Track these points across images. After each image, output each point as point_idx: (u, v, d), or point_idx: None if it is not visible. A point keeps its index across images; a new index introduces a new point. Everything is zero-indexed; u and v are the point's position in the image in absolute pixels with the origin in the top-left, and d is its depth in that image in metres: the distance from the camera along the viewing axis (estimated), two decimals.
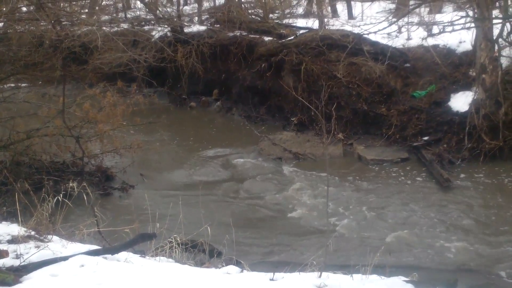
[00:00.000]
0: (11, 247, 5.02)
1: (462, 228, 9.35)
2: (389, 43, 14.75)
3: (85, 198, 6.49)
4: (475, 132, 12.20)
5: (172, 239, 5.93)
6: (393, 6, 20.14)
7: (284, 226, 9.89)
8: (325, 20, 18.32)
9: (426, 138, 13.14)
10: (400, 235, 9.21)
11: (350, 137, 14.21)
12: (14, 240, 5.30)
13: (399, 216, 9.95)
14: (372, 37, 14.57)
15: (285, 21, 19.38)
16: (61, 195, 6.22)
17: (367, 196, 10.93)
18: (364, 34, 14.18)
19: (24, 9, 11.70)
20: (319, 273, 4.90)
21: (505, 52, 12.68)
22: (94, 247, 5.51)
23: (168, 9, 21.69)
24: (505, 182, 11.19)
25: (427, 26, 15.06)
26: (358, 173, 12.24)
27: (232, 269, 5.14)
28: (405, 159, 12.71)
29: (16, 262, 4.65)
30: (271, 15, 19.98)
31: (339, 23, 17.61)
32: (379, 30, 13.17)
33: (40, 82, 13.66)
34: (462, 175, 11.61)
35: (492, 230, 9.23)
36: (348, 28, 16.21)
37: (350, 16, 20.27)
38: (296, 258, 8.40)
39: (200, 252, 6.54)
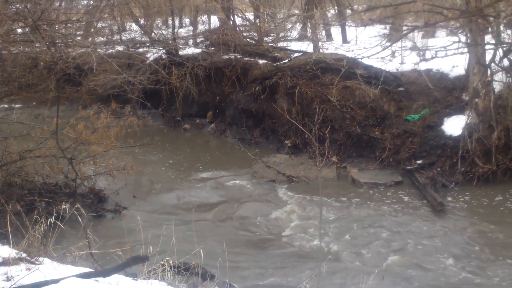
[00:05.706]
0: (1, 270, 4.95)
1: (456, 252, 9.32)
2: (383, 67, 14.80)
3: (79, 219, 6.42)
4: (468, 156, 12.24)
5: (164, 261, 5.88)
6: (386, 31, 20.28)
7: (277, 249, 9.84)
8: (319, 43, 18.39)
9: (419, 161, 13.17)
10: (393, 259, 9.17)
11: (343, 160, 14.21)
12: (4, 262, 5.23)
13: (393, 240, 9.92)
14: (366, 61, 14.59)
15: (280, 44, 19.44)
16: (53, 217, 6.16)
17: (360, 220, 10.90)
18: (358, 58, 14.25)
19: (19, 30, 11.73)
20: None
21: (498, 76, 12.75)
22: (86, 269, 5.45)
23: (163, 32, 21.80)
24: (498, 206, 11.19)
25: (420, 51, 15.14)
26: (351, 196, 12.23)
27: None
28: (399, 183, 12.71)
29: (7, 285, 4.59)
30: (265, 38, 20.07)
31: (333, 47, 17.67)
32: (373, 55, 13.23)
33: (34, 103, 13.67)
34: (456, 199, 11.61)
35: (486, 254, 9.20)
36: (342, 52, 16.25)
37: (344, 40, 20.38)
38: (289, 281, 8.37)
39: (193, 275, 6.49)
